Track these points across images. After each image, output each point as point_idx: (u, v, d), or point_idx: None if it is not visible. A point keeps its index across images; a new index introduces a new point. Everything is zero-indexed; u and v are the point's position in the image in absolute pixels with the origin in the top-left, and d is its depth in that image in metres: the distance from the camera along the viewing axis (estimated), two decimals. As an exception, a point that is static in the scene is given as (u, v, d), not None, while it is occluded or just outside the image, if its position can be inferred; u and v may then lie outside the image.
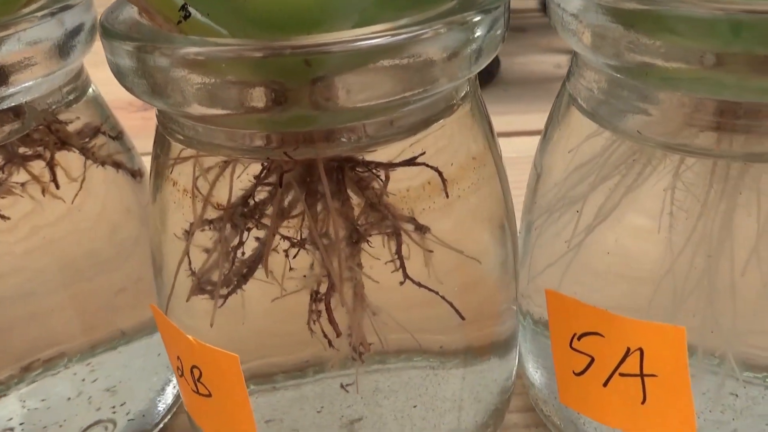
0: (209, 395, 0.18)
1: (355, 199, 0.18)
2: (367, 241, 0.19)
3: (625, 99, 0.17)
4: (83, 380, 0.22)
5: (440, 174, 0.19)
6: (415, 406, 0.21)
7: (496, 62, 0.60)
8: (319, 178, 0.18)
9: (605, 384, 0.18)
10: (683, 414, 0.17)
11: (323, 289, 0.19)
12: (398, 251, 0.20)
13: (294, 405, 0.22)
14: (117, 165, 0.22)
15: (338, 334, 0.19)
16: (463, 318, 0.21)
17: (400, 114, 0.17)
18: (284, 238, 0.17)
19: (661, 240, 0.18)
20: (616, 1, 0.15)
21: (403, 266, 0.19)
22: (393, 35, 0.14)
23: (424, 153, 0.18)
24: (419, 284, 0.20)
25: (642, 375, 0.17)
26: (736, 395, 0.19)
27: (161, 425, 0.24)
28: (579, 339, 0.18)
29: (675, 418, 0.17)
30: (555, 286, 0.20)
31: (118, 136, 0.22)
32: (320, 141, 0.17)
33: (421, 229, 0.20)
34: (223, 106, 0.15)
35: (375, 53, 0.15)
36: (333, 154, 0.17)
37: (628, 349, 0.17)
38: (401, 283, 0.19)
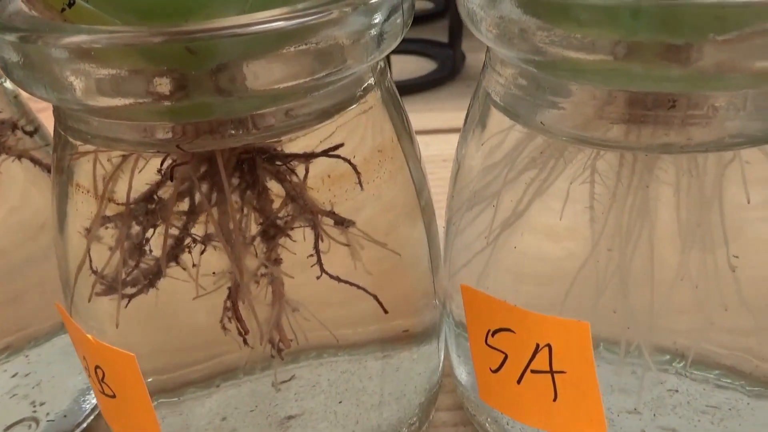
0: (113, 396, 0.18)
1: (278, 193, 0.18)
2: (288, 235, 0.19)
3: (536, 93, 0.17)
4: (5, 377, 0.22)
5: (353, 166, 0.19)
6: (340, 402, 0.21)
7: (461, 57, 0.60)
8: (230, 171, 0.18)
9: (519, 381, 0.18)
10: (593, 410, 0.17)
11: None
12: (315, 245, 0.19)
13: (229, 404, 0.21)
14: (34, 161, 0.22)
15: (246, 332, 0.18)
16: (386, 311, 0.20)
17: (303, 102, 0.16)
18: (186, 235, 0.17)
19: (576, 235, 0.18)
20: None
21: (319, 261, 0.19)
22: (288, 18, 0.14)
23: (342, 145, 0.18)
24: (338, 279, 0.19)
25: (552, 372, 0.17)
26: (661, 389, 0.19)
27: (83, 426, 0.23)
28: (493, 335, 0.18)
29: (585, 415, 0.17)
30: (473, 282, 0.19)
31: (35, 131, 0.22)
32: (219, 131, 0.16)
33: (344, 222, 0.20)
34: (117, 96, 0.14)
35: (277, 38, 0.14)
36: (235, 145, 0.17)
37: (538, 345, 0.17)
38: (318, 278, 0.19)
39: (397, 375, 0.21)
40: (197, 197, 0.18)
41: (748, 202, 0.17)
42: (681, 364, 0.19)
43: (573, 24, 0.15)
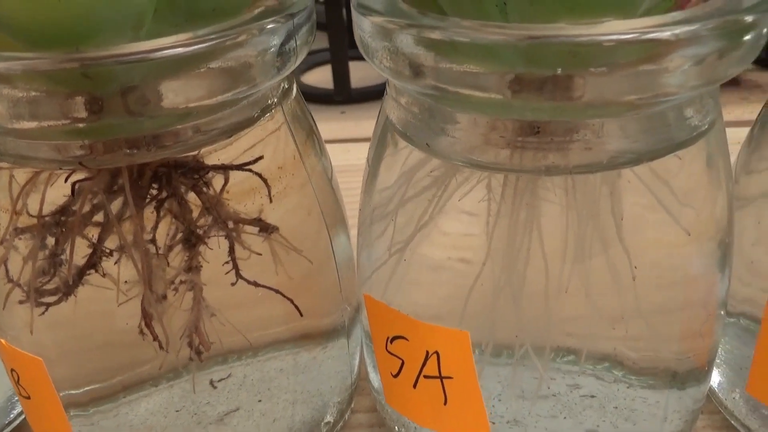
0: (29, 397, 0.19)
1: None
2: (205, 243, 0.20)
3: (429, 120, 0.18)
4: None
5: (264, 180, 0.20)
6: (259, 401, 0.22)
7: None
8: (146, 184, 0.19)
9: (414, 385, 0.19)
10: (477, 414, 0.18)
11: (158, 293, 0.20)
12: (231, 252, 0.20)
13: (153, 408, 0.22)
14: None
15: (155, 338, 0.19)
16: (301, 314, 0.21)
17: (209, 120, 0.17)
18: (93, 246, 0.18)
19: (472, 249, 0.19)
20: (401, 28, 0.16)
21: (236, 267, 0.20)
22: (187, 44, 0.15)
23: (261, 157, 0.19)
24: (255, 284, 0.21)
25: (441, 377, 0.18)
26: (550, 394, 0.20)
27: (11, 426, 0.24)
28: (391, 342, 0.19)
29: (471, 418, 0.18)
30: (380, 292, 0.20)
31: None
32: (122, 148, 0.17)
33: (268, 229, 0.21)
34: (33, 119, 0.15)
35: (177, 62, 0.15)
36: (141, 161, 0.18)
37: (428, 353, 0.18)
38: (233, 284, 0.20)
39: (310, 374, 0.22)
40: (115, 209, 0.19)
41: (621, 219, 0.18)
42: (576, 366, 0.20)
43: (460, 59, 0.16)
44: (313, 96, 0.52)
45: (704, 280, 0.19)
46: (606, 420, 0.21)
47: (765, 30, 0.16)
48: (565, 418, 0.20)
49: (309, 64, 0.59)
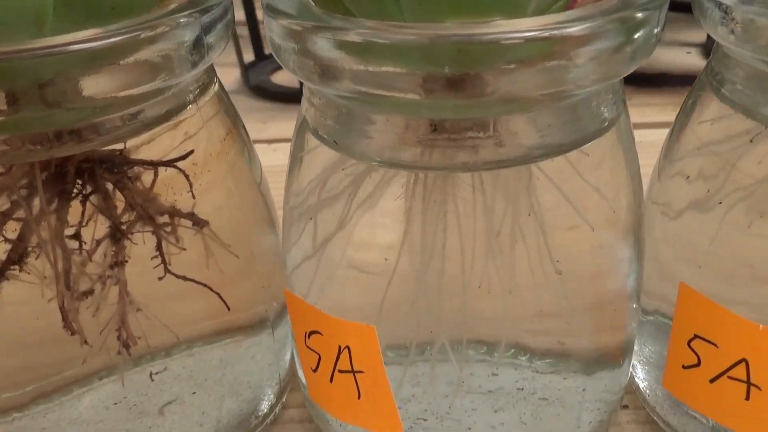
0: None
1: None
2: (129, 239, 0.20)
3: (341, 120, 0.18)
4: None
5: (186, 176, 0.20)
6: (194, 393, 0.22)
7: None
8: (70, 179, 0.19)
9: (331, 380, 0.19)
10: (388, 408, 0.18)
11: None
12: (158, 247, 0.21)
13: (98, 402, 0.22)
14: None
15: (72, 333, 0.19)
16: (228, 308, 0.22)
17: (127, 113, 0.18)
18: (6, 240, 0.18)
19: (389, 246, 0.19)
20: (312, 30, 0.16)
21: (164, 261, 0.20)
22: (96, 39, 0.15)
23: (192, 152, 0.19)
24: (184, 278, 0.21)
25: (353, 371, 0.19)
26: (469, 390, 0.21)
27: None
28: (309, 337, 0.20)
29: (382, 412, 0.19)
30: (305, 288, 0.21)
31: None
32: (40, 143, 0.17)
33: (200, 223, 0.21)
34: None
35: (87, 56, 0.15)
36: (63, 155, 0.18)
37: (340, 347, 0.18)
38: (160, 279, 0.20)
39: (240, 367, 0.23)
40: (37, 204, 0.19)
41: (529, 215, 0.18)
42: (493, 358, 0.21)
43: (374, 60, 0.16)
44: (283, 95, 0.52)
45: (615, 273, 0.20)
46: (526, 411, 0.21)
47: (657, 29, 0.16)
48: (496, 411, 0.21)
49: (278, 65, 0.59)
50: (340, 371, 0.19)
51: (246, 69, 0.54)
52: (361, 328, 0.18)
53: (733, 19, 0.17)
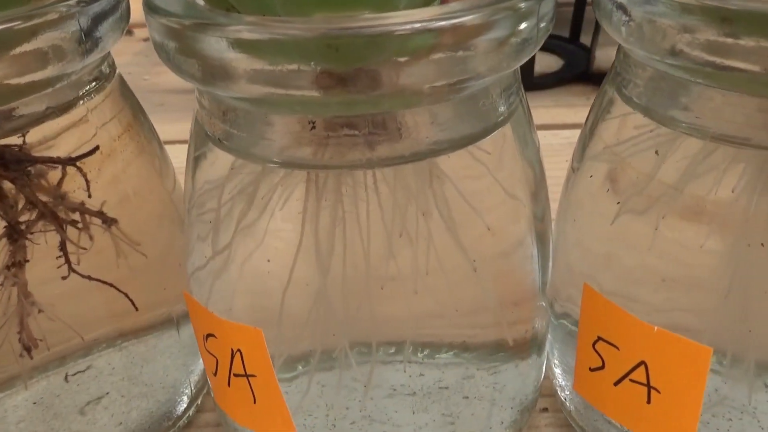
0: None
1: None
2: (28, 238, 0.20)
3: (239, 122, 0.17)
4: None
5: (83, 173, 0.19)
6: (108, 393, 0.22)
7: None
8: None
9: (228, 383, 0.19)
10: (280, 412, 0.18)
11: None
12: (62, 247, 0.20)
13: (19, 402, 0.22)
14: None
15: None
16: (136, 308, 0.21)
17: (19, 104, 0.17)
18: None
19: (287, 249, 0.19)
20: (198, 28, 0.15)
21: (68, 261, 0.20)
22: None
23: (97, 148, 0.19)
24: (88, 277, 0.20)
25: (247, 375, 0.18)
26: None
27: None
28: (206, 340, 0.19)
29: (277, 416, 0.18)
30: (206, 290, 0.20)
31: None
32: None
33: (108, 221, 0.21)
34: None
35: None
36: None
37: (232, 351, 0.18)
38: (64, 278, 0.20)
39: (152, 367, 0.22)
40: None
41: (420, 215, 0.18)
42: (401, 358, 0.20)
43: (271, 58, 0.15)
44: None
45: (520, 268, 0.19)
46: (439, 410, 0.21)
47: (544, 24, 0.16)
48: (414, 412, 0.20)
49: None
50: (236, 375, 0.18)
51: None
52: (249, 331, 0.17)
53: (632, 19, 0.16)
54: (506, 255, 0.19)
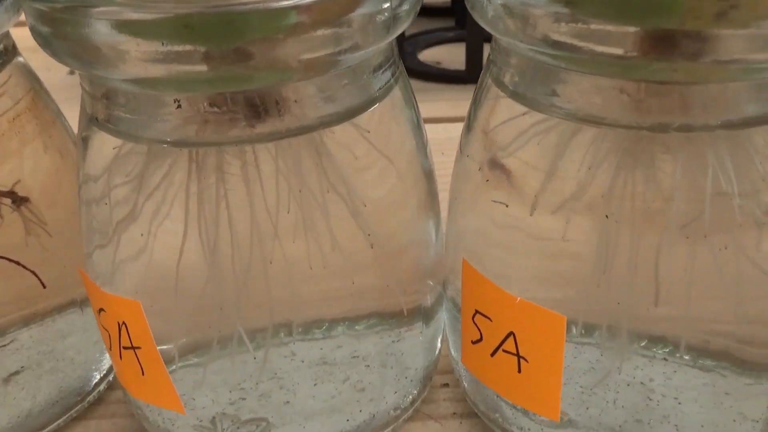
0: None
1: None
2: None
3: (126, 106, 0.18)
4: None
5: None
6: (22, 367, 0.23)
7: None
8: None
9: (120, 357, 0.19)
10: (165, 384, 0.19)
11: None
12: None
13: None
14: None
15: None
16: (44, 286, 0.22)
17: None
18: None
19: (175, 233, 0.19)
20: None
21: None
22: None
23: None
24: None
25: (133, 347, 0.19)
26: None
27: None
28: (100, 314, 0.20)
29: (162, 387, 0.19)
30: (109, 272, 0.20)
31: None
32: None
33: (18, 201, 0.21)
34: None
35: None
36: None
37: (119, 324, 0.19)
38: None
39: (67, 343, 0.23)
40: None
41: (300, 191, 0.18)
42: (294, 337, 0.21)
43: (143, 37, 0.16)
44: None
45: (408, 243, 0.20)
46: (340, 380, 0.21)
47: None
48: (315, 384, 0.21)
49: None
50: (124, 348, 0.19)
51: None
52: (129, 303, 0.18)
53: (505, 9, 0.17)
54: (395, 230, 0.20)
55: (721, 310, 0.19)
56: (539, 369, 0.18)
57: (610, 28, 0.15)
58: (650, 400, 0.21)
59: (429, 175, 0.21)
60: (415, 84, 0.54)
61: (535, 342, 0.18)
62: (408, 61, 0.56)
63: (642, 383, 0.21)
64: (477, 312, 0.20)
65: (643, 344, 0.21)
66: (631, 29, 0.15)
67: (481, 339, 0.20)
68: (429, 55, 0.58)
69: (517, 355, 0.19)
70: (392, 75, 0.19)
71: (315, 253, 0.20)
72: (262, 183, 0.19)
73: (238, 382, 0.21)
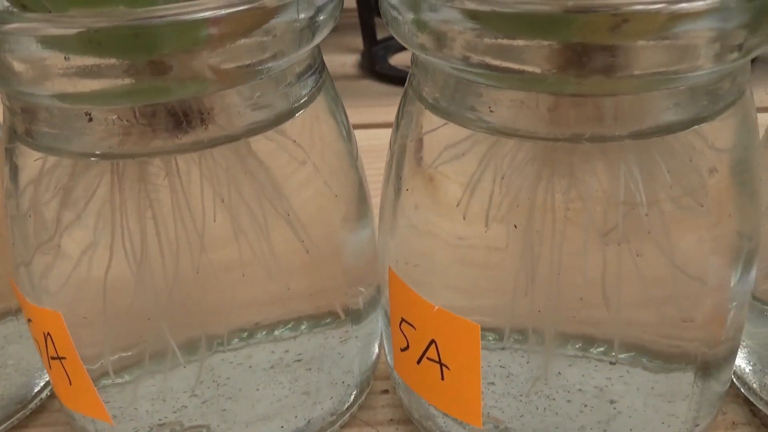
0: None
1: None
2: None
3: (45, 121, 0.18)
4: None
5: None
6: None
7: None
8: None
9: (49, 366, 0.20)
10: (91, 394, 0.19)
11: None
12: None
13: None
14: None
15: None
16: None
17: None
18: None
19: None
20: None
21: None
22: None
23: None
24: None
25: (59, 357, 0.19)
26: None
27: None
28: (29, 323, 0.20)
29: (88, 397, 0.19)
30: (32, 284, 0.20)
31: None
32: None
33: None
34: None
35: None
36: None
37: (44, 334, 0.19)
38: None
39: (5, 351, 0.23)
40: None
41: (222, 201, 0.19)
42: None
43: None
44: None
45: (334, 250, 0.20)
46: (282, 386, 0.22)
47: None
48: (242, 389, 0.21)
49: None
50: (52, 358, 0.19)
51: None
52: (51, 314, 0.18)
53: (418, 25, 0.17)
54: (324, 236, 0.20)
55: (645, 314, 0.19)
56: (460, 376, 0.19)
57: (519, 43, 0.16)
58: (585, 406, 0.21)
59: (358, 183, 0.21)
60: (387, 88, 0.55)
61: (453, 349, 0.18)
62: (379, 66, 0.57)
63: (580, 389, 0.21)
64: (403, 320, 0.20)
65: (571, 350, 0.21)
66: (538, 44, 0.15)
67: (408, 347, 0.20)
68: (400, 60, 0.58)
69: (440, 362, 0.19)
70: (315, 83, 0.19)
71: (248, 259, 0.20)
72: (187, 193, 0.19)
73: (177, 392, 0.21)
